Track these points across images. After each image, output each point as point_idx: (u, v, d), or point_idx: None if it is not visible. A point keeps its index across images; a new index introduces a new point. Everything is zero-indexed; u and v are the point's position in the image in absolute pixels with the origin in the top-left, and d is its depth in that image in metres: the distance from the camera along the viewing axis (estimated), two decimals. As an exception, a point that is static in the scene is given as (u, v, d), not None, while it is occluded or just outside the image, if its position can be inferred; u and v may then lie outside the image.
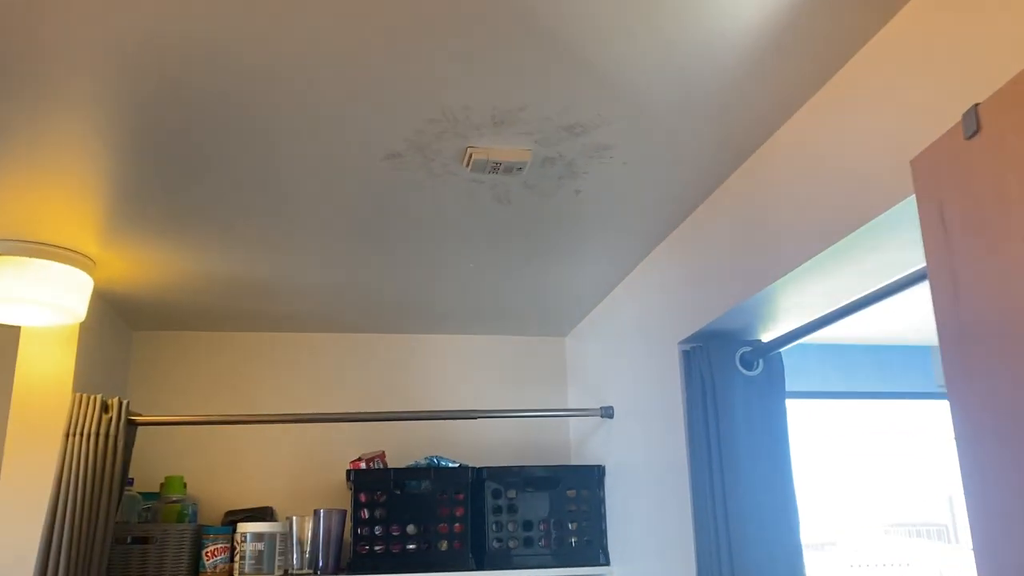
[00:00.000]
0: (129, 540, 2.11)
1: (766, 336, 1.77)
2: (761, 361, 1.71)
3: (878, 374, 2.62)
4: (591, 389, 2.48)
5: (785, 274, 1.45)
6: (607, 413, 2.29)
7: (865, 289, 1.44)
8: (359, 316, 2.51)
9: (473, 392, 2.63)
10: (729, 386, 1.69)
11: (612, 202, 1.74)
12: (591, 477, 2.33)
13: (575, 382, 2.67)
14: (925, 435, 2.81)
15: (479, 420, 2.56)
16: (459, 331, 2.67)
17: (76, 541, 1.89)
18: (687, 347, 1.82)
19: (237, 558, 2.12)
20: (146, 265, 2.04)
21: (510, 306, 2.44)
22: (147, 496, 2.32)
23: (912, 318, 2.35)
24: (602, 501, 2.31)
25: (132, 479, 2.26)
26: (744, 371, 1.70)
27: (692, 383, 1.78)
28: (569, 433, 2.66)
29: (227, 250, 1.95)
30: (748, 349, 1.72)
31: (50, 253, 1.88)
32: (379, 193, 1.67)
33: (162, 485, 2.33)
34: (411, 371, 2.65)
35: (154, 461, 2.40)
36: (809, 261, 1.37)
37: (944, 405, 0.95)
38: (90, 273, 1.97)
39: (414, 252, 1.99)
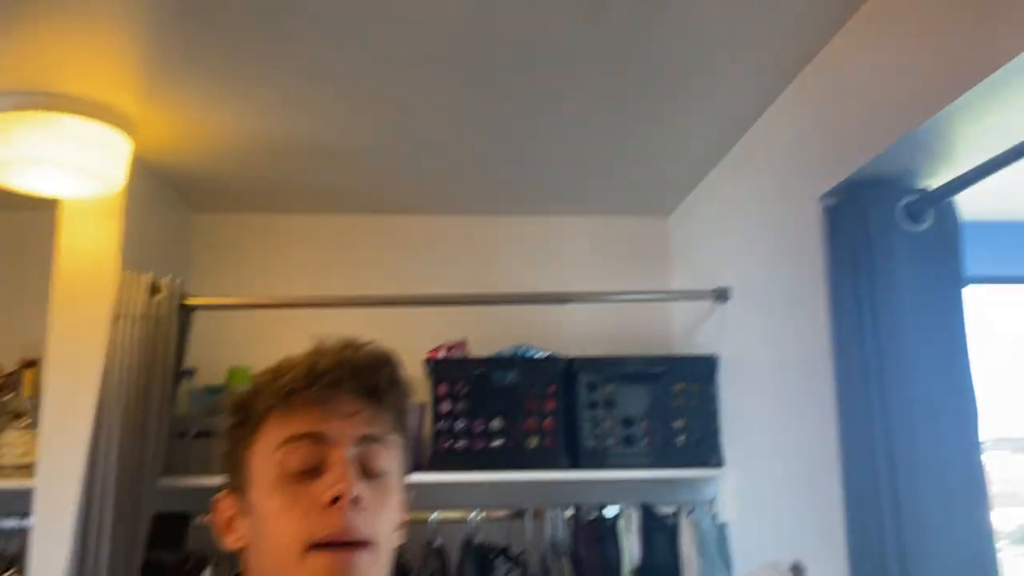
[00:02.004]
0: (190, 435, 1.93)
1: (934, 183, 1.40)
2: (931, 212, 1.35)
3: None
4: (700, 270, 2.15)
5: (977, 83, 1.08)
6: (721, 296, 1.97)
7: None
8: (441, 196, 2.25)
9: (564, 277, 2.33)
10: (889, 246, 1.34)
11: (738, 23, 1.39)
12: (702, 369, 2.02)
13: (680, 264, 2.34)
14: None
15: (571, 306, 2.27)
16: (549, 212, 2.36)
17: (129, 433, 1.72)
18: (830, 202, 1.47)
19: (307, 455, 1.92)
20: (196, 129, 1.80)
21: (607, 177, 2.12)
22: (212, 389, 2.15)
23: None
24: (714, 397, 2.01)
25: (194, 369, 2.08)
26: (909, 225, 1.34)
27: (838, 247, 1.44)
28: (672, 322, 2.35)
29: (296, 109, 1.71)
30: (913, 198, 1.36)
31: (80, 107, 1.64)
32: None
33: (227, 377, 2.14)
34: (495, 256, 2.37)
35: (219, 352, 2.20)
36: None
37: None
38: (128, 135, 1.74)
39: (503, 100, 1.69)
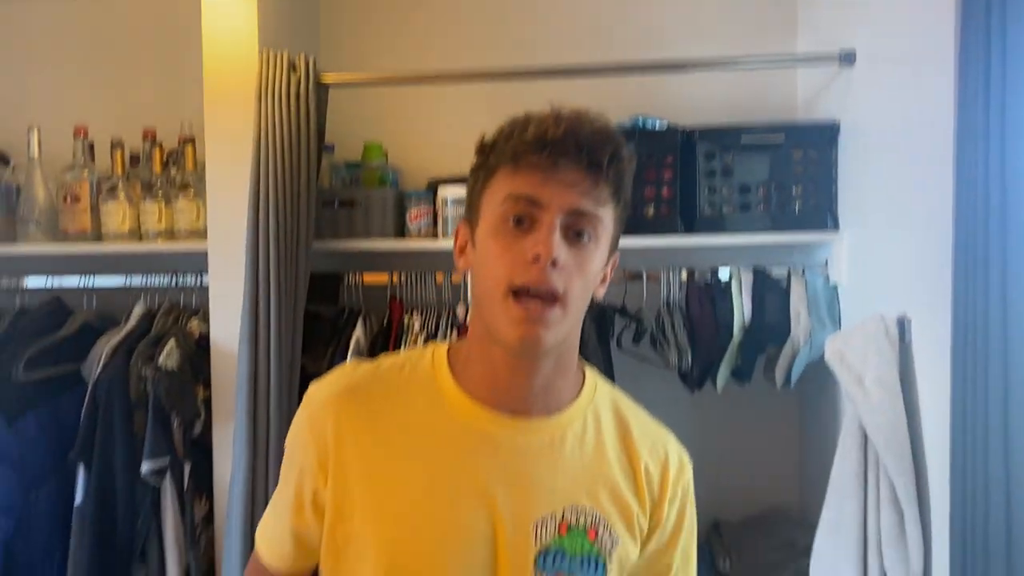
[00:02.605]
0: (336, 204, 2.11)
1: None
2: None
3: None
4: (827, 33, 2.08)
5: None
6: (847, 59, 1.92)
7: None
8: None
9: (685, 45, 2.30)
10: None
11: None
12: (822, 136, 2.01)
13: (807, 28, 2.26)
14: None
15: (689, 75, 2.26)
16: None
17: (283, 201, 1.91)
18: (969, -48, 1.39)
19: (440, 221, 2.08)
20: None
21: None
22: (349, 165, 2.31)
23: None
24: (834, 163, 2.01)
25: (332, 145, 2.24)
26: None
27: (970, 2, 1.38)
28: (796, 90, 2.31)
29: None
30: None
31: None
32: None
33: (363, 152, 2.29)
34: (614, 25, 2.35)
35: (353, 129, 2.34)
36: None
37: None
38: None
39: None
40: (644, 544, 1.05)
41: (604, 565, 0.98)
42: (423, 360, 1.05)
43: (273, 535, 1.09)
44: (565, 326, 0.95)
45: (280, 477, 1.09)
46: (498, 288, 0.93)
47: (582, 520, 0.99)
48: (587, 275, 0.95)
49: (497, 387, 1.00)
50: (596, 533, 0.99)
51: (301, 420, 1.05)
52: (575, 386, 1.06)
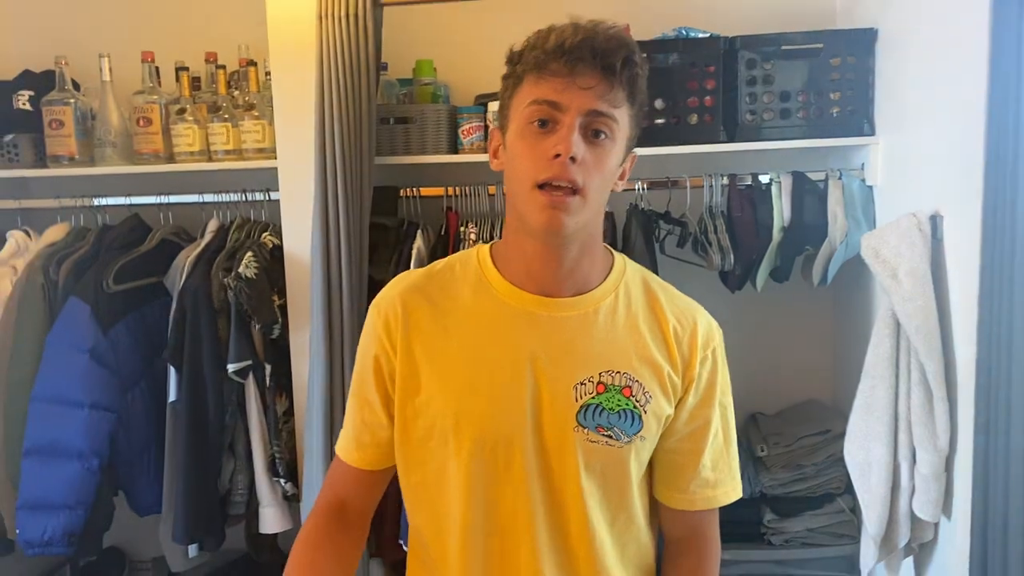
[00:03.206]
0: (391, 121, 2.22)
1: None
2: None
3: None
4: (867, -61, 2.12)
5: None
6: (886, -35, 1.97)
7: None
8: None
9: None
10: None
11: None
12: (860, 42, 2.08)
13: (847, -66, 2.30)
14: None
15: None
16: None
17: (346, 119, 2.03)
18: None
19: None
20: None
21: None
22: (402, 82, 2.41)
23: None
24: (871, 70, 2.09)
25: (386, 64, 2.33)
26: None
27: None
28: (835, -2, 2.35)
29: None
30: None
31: None
32: None
33: (414, 69, 2.39)
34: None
35: (404, 47, 2.43)
36: None
37: None
38: None
39: None
40: (681, 401, 1.17)
41: (640, 417, 1.13)
42: (470, 258, 1.21)
43: (350, 433, 1.24)
44: (586, 213, 1.08)
45: (353, 379, 1.24)
46: (527, 182, 1.05)
47: (617, 380, 1.12)
48: (605, 169, 1.08)
49: (531, 272, 1.13)
50: (631, 391, 1.12)
51: (371, 317, 1.21)
52: (604, 269, 1.19)
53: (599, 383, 1.12)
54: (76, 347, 2.10)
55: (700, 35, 2.16)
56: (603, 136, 1.06)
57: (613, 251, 1.22)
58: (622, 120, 1.08)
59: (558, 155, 1.03)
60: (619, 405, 1.12)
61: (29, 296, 2.19)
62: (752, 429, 2.42)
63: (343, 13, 2.01)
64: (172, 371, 2.14)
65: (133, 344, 2.19)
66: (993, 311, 1.54)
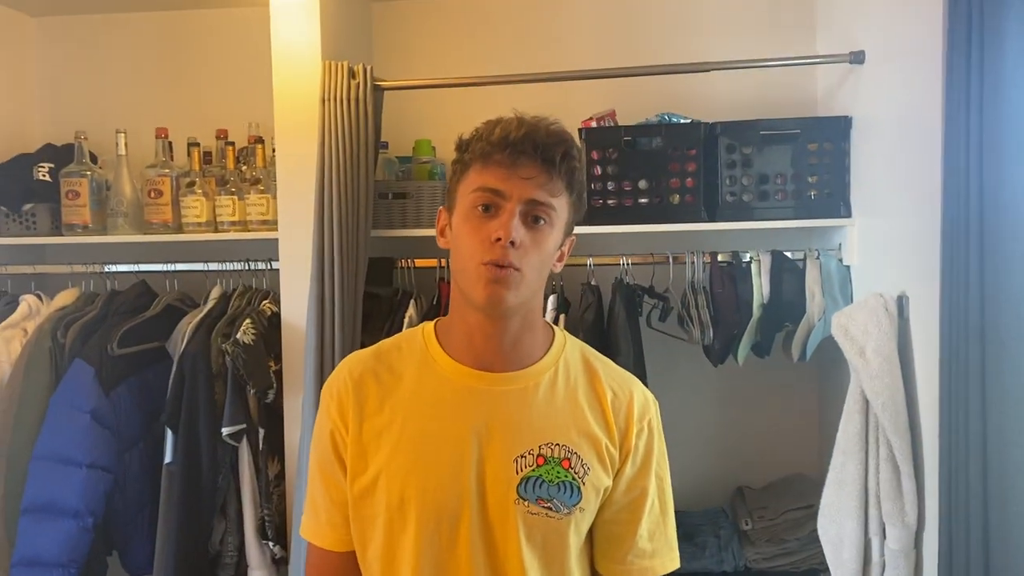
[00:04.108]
0: (390, 196, 2.34)
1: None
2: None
3: None
4: (842, 34, 2.24)
5: None
6: (857, 58, 2.08)
7: None
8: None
9: (707, 44, 2.47)
10: (1004, 13, 1.45)
11: None
12: (836, 129, 2.18)
13: (824, 30, 2.42)
14: None
15: (714, 74, 2.42)
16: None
17: (344, 194, 2.14)
18: (954, -33, 1.56)
19: (483, 211, 2.29)
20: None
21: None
22: (401, 160, 2.53)
23: None
24: (846, 154, 2.18)
25: (386, 143, 2.46)
26: (1024, -9, 1.44)
27: (956, 10, 1.54)
28: (816, 88, 2.47)
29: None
30: (1033, -37, 1.44)
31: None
32: None
33: (413, 148, 2.51)
34: (642, 30, 2.54)
35: (404, 128, 2.56)
36: None
37: None
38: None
39: None
40: (618, 472, 1.22)
41: (579, 489, 1.17)
42: (416, 336, 1.27)
43: (321, 517, 1.25)
44: (524, 291, 1.15)
45: (312, 462, 1.27)
46: (471, 262, 1.13)
47: (556, 453, 1.16)
48: (543, 252, 1.16)
49: (474, 346, 1.19)
50: (570, 463, 1.17)
51: (324, 398, 1.26)
52: (544, 344, 1.25)
53: (539, 455, 1.17)
54: (78, 407, 2.18)
55: (682, 120, 2.27)
56: (542, 222, 1.15)
57: (554, 327, 1.29)
58: (560, 208, 1.16)
59: (499, 239, 1.12)
60: (559, 477, 1.17)
61: (37, 358, 2.28)
62: (739, 502, 2.44)
63: (344, 97, 2.14)
64: (169, 433, 2.21)
65: (134, 406, 2.27)
66: (952, 390, 1.59)
